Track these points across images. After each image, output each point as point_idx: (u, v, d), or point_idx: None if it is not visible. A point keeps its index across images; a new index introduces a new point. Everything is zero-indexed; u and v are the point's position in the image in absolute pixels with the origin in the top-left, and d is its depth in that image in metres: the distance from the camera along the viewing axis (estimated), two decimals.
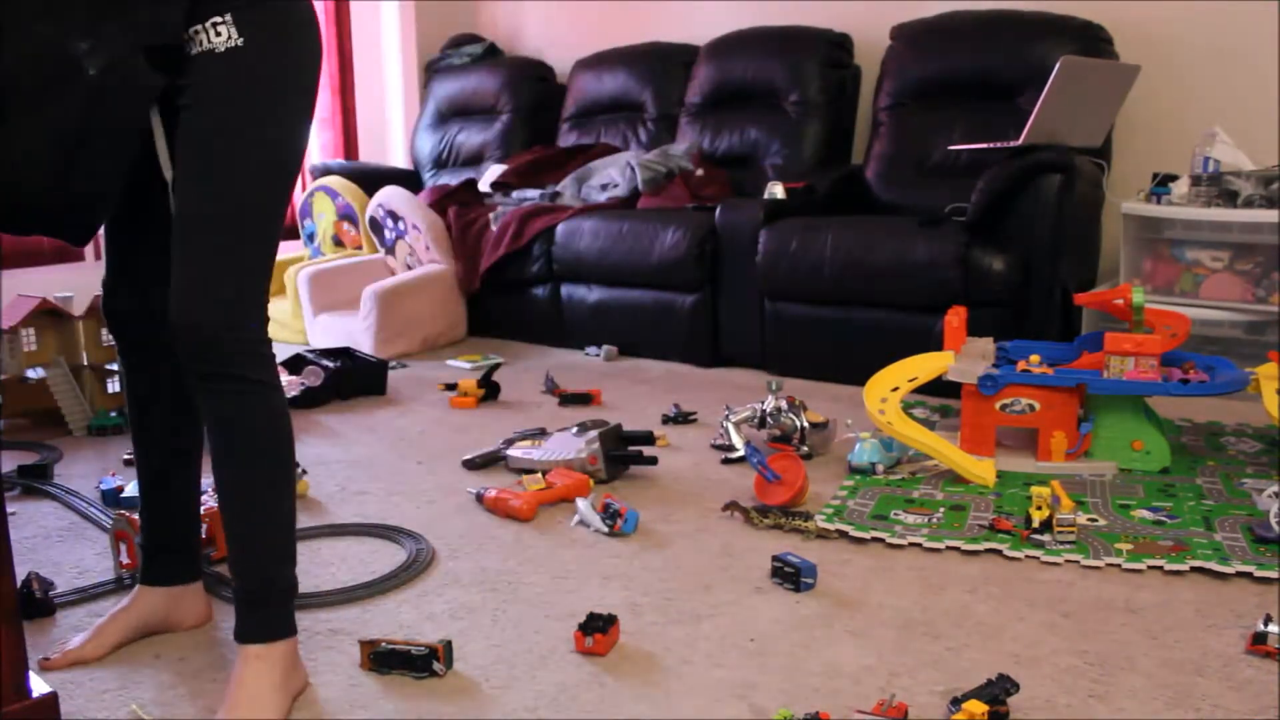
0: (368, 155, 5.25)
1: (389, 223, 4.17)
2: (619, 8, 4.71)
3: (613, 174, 4.05)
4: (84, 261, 4.25)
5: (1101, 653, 1.57)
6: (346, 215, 4.40)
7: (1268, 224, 2.83)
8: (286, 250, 4.84)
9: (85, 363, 2.99)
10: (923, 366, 2.48)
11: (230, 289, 1.49)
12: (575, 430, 2.47)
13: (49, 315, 2.95)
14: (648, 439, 2.47)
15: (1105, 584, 1.81)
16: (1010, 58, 3.49)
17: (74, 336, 2.99)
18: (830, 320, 3.23)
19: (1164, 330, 2.55)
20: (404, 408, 3.12)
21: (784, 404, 2.59)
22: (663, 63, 4.38)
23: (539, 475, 2.30)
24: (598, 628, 1.59)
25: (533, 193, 4.15)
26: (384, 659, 1.55)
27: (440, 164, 4.94)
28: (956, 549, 1.97)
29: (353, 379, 3.23)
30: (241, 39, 1.38)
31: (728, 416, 2.61)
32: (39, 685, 1.31)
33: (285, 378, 3.14)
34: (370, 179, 4.53)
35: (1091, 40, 3.39)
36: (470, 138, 4.84)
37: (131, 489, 2.32)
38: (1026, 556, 1.92)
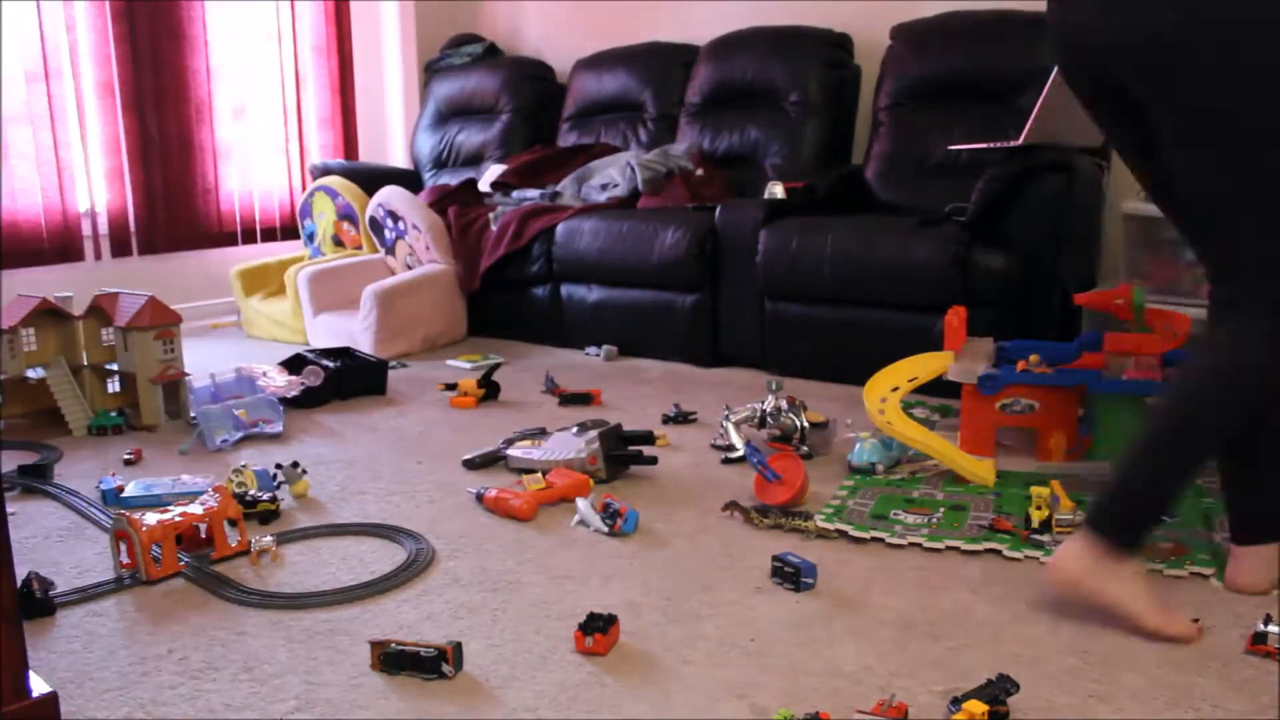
0: (368, 155, 5.25)
1: (389, 223, 4.17)
2: (619, 8, 4.71)
3: (613, 174, 4.05)
4: (84, 261, 4.25)
5: (1101, 653, 1.57)
6: (346, 215, 4.40)
7: None
8: (286, 250, 4.85)
9: (85, 363, 2.99)
10: (923, 366, 2.48)
11: None
12: (575, 430, 2.47)
13: (49, 315, 2.95)
14: (648, 439, 2.47)
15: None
16: (1010, 58, 3.49)
17: (74, 336, 2.99)
18: (830, 320, 3.23)
19: (1164, 330, 2.55)
20: (404, 408, 3.12)
21: (784, 404, 2.59)
22: (663, 63, 4.37)
23: (539, 475, 2.30)
24: (598, 628, 1.59)
25: (533, 193, 4.16)
26: (393, 660, 1.55)
27: (440, 164, 4.94)
28: (956, 549, 1.97)
29: (353, 379, 3.23)
30: None
31: (728, 416, 2.61)
32: (39, 685, 1.31)
33: (285, 378, 3.14)
34: (370, 179, 4.53)
35: None
36: (470, 138, 4.84)
37: (131, 489, 2.32)
38: (1026, 557, 1.92)
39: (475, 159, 4.81)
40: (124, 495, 2.30)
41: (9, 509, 2.28)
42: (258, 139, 4.81)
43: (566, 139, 4.58)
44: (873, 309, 3.15)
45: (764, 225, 3.33)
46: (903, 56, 3.73)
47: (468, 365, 3.65)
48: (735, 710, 1.44)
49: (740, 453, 2.48)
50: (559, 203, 4.06)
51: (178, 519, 1.95)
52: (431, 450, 2.68)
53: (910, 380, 2.43)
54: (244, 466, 2.33)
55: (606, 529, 2.08)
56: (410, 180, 4.81)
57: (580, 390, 3.14)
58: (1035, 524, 1.98)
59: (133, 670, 1.58)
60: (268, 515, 2.19)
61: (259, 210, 4.83)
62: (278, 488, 2.35)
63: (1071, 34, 1.80)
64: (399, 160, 5.29)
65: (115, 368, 2.99)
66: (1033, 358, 2.46)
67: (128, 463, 2.62)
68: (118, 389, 3.01)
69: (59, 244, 4.14)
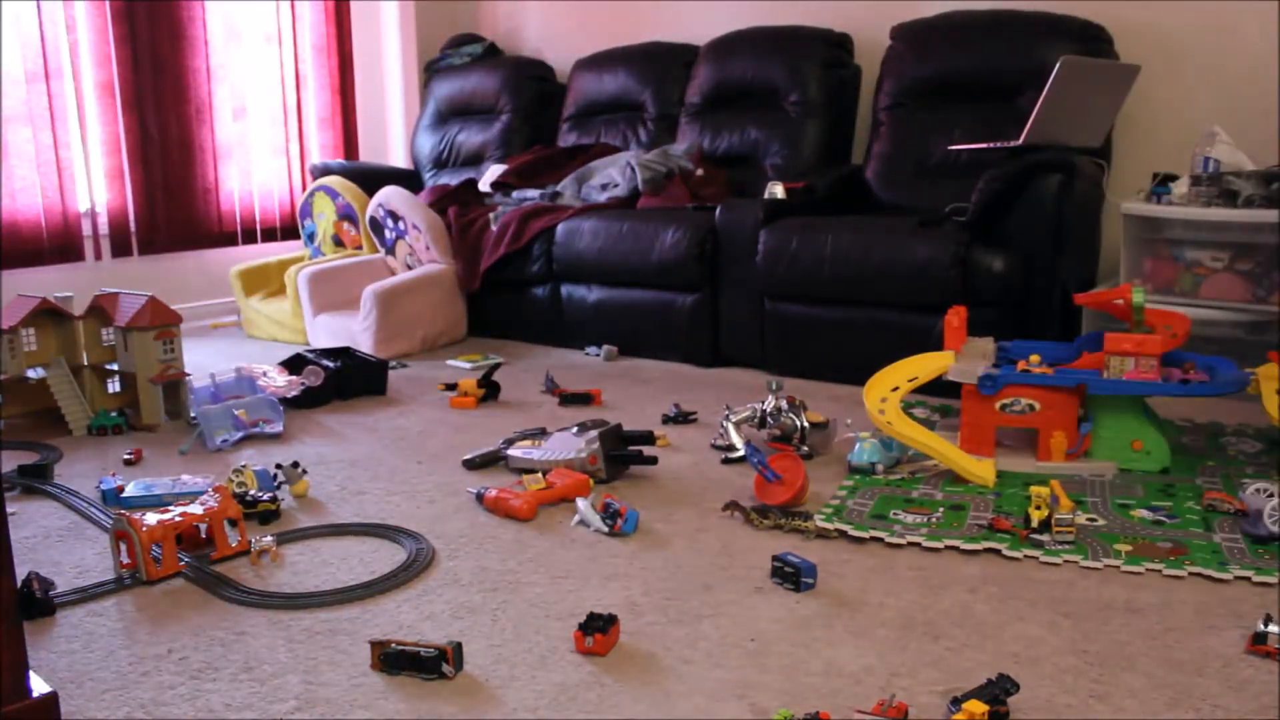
0: (368, 155, 5.25)
1: (389, 223, 4.17)
2: (619, 8, 4.71)
3: (613, 174, 4.05)
4: (84, 261, 4.25)
5: (1101, 653, 1.57)
6: (346, 215, 4.40)
7: (1268, 224, 2.83)
8: (286, 250, 4.85)
9: (85, 363, 2.99)
10: (923, 366, 2.48)
11: None
12: (575, 430, 2.47)
13: (49, 315, 2.95)
14: (648, 439, 2.47)
15: (1105, 584, 1.81)
16: (1010, 58, 3.49)
17: (74, 336, 2.99)
18: (830, 320, 3.23)
19: (1164, 330, 2.55)
20: (404, 408, 3.12)
21: (784, 404, 2.59)
22: (663, 63, 4.37)
23: (539, 475, 2.30)
24: (598, 628, 1.60)
25: (533, 193, 4.16)
26: (394, 660, 1.55)
27: (440, 164, 4.94)
28: (955, 548, 1.97)
29: (353, 379, 3.23)
30: None
31: (728, 416, 2.61)
32: (39, 685, 1.31)
33: (285, 378, 3.14)
34: (370, 179, 4.54)
35: (1091, 40, 3.39)
36: (470, 138, 4.84)
37: (131, 489, 2.32)
38: (1025, 556, 1.93)
39: (475, 159, 4.81)
40: (124, 495, 2.30)
41: (9, 509, 2.28)
42: (258, 139, 4.81)
43: (566, 139, 4.58)
44: (873, 309, 3.15)
45: (764, 225, 3.33)
46: (903, 56, 3.73)
47: (468, 365, 3.65)
48: (735, 710, 1.44)
49: (740, 453, 2.48)
50: (559, 203, 4.06)
51: (178, 519, 1.95)
52: (431, 450, 2.68)
53: (910, 380, 2.44)
54: (244, 466, 2.33)
55: (606, 529, 2.08)
56: (410, 180, 4.81)
57: (580, 390, 3.14)
58: (1035, 524, 1.98)
59: (133, 670, 1.58)
60: (268, 515, 2.19)
61: (259, 210, 4.83)
62: (278, 488, 2.35)
63: None
64: (399, 160, 5.29)
65: (115, 368, 2.99)
66: (1033, 358, 2.46)
67: (128, 463, 2.62)
68: (118, 389, 3.01)
69: (59, 244, 4.14)
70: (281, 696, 1.50)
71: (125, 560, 1.92)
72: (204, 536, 2.01)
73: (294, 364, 3.28)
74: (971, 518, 2.10)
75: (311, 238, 4.56)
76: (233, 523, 2.02)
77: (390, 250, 4.22)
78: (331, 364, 3.23)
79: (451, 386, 3.22)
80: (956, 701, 1.39)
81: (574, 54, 4.74)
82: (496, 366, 3.28)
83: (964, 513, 2.13)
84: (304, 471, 2.38)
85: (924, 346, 3.04)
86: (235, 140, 4.69)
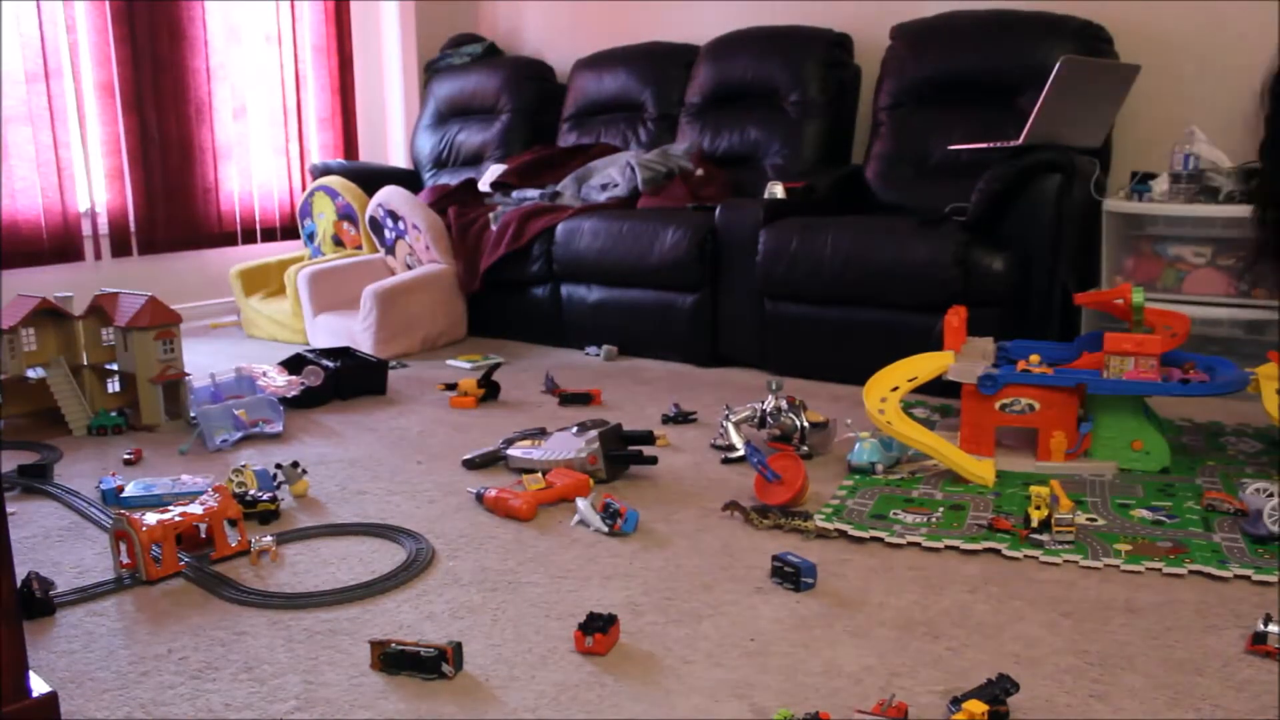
0: (368, 155, 5.26)
1: (389, 223, 4.17)
2: (619, 8, 4.72)
3: (613, 174, 4.05)
4: (84, 261, 4.25)
5: (1101, 653, 1.57)
6: (346, 215, 4.40)
7: (1249, 219, 2.84)
8: (286, 250, 4.85)
9: (85, 363, 2.99)
10: (923, 366, 2.48)
11: None
12: (575, 430, 2.47)
13: (49, 315, 2.95)
14: (648, 439, 2.47)
15: (1105, 584, 1.81)
16: (1010, 58, 3.49)
17: (74, 336, 2.99)
18: (830, 320, 3.23)
19: (1164, 330, 2.55)
20: (404, 408, 3.12)
21: (784, 404, 2.59)
22: (663, 63, 4.38)
23: (539, 475, 2.30)
24: (598, 628, 1.60)
25: (533, 193, 4.16)
26: (394, 660, 1.55)
27: (440, 164, 4.94)
28: (955, 548, 1.97)
29: (353, 379, 3.23)
30: None
31: (728, 416, 2.61)
32: (39, 685, 1.31)
33: (285, 378, 3.14)
34: (370, 179, 4.54)
35: (1091, 40, 3.39)
36: (470, 138, 4.84)
37: (131, 489, 2.32)
38: (1025, 556, 1.93)
39: (475, 159, 4.81)
40: (124, 495, 2.30)
41: (9, 509, 2.28)
42: (258, 139, 4.81)
43: (566, 139, 4.58)
44: (873, 309, 3.15)
45: (764, 225, 3.33)
46: (903, 56, 3.73)
47: (468, 365, 3.65)
48: (735, 710, 1.44)
49: (740, 453, 2.48)
50: (559, 203, 4.06)
51: (178, 519, 1.95)
52: (431, 450, 2.68)
53: (910, 380, 2.44)
54: (244, 466, 2.33)
55: (606, 529, 2.08)
56: (410, 180, 4.82)
57: (580, 390, 3.14)
58: (1034, 523, 1.98)
59: (133, 670, 1.58)
60: (268, 515, 2.19)
61: (259, 210, 4.83)
62: (278, 488, 2.35)
63: None
64: (399, 160, 5.29)
65: (115, 368, 2.99)
66: (1033, 358, 2.47)
67: (128, 463, 2.62)
68: (118, 389, 3.01)
69: (59, 244, 4.14)
70: (281, 696, 1.50)
71: (125, 560, 1.92)
72: (204, 536, 2.01)
73: (294, 364, 3.28)
74: (971, 518, 2.10)
75: (311, 238, 4.56)
76: (233, 523, 2.02)
77: (390, 250, 4.22)
78: (331, 364, 3.23)
79: (451, 386, 3.22)
80: (956, 701, 1.39)
81: (574, 54, 4.74)
82: (496, 366, 3.28)
83: (964, 513, 2.13)
84: (304, 471, 2.38)
85: (924, 346, 3.04)
86: (235, 140, 4.69)
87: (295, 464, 2.38)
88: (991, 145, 3.20)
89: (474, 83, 4.86)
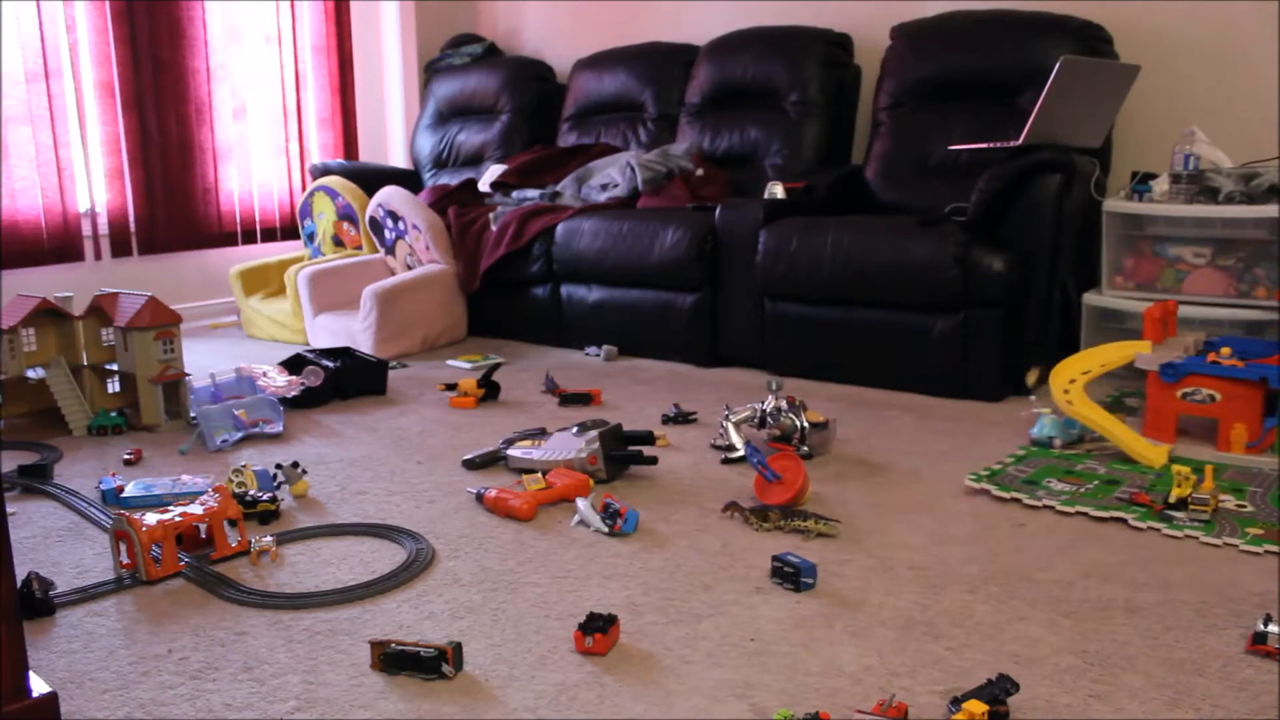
0: (368, 155, 5.26)
1: (389, 223, 4.17)
2: (619, 8, 4.72)
3: (613, 174, 4.05)
4: (84, 261, 4.25)
5: (1101, 653, 1.57)
6: (346, 215, 4.40)
7: (1249, 219, 2.85)
8: (286, 250, 4.85)
9: (85, 363, 2.99)
10: (1114, 354, 2.59)
11: None
12: (575, 430, 2.47)
13: (49, 315, 2.95)
14: (647, 439, 2.47)
15: (1105, 584, 1.81)
16: (1010, 58, 3.49)
17: (74, 336, 2.99)
18: (830, 320, 3.23)
19: None
20: (404, 408, 3.12)
21: (784, 404, 2.59)
22: (663, 63, 4.38)
23: (539, 475, 2.30)
24: (598, 628, 1.59)
25: (533, 193, 4.16)
26: (394, 660, 1.55)
27: (440, 164, 4.94)
28: (1085, 514, 2.10)
29: (353, 379, 3.23)
30: None
31: (728, 416, 2.61)
32: (39, 685, 1.31)
33: (285, 378, 3.14)
34: (370, 179, 4.54)
35: (1091, 40, 3.39)
36: (470, 138, 4.84)
37: (131, 489, 2.32)
38: (1149, 528, 2.03)
39: (475, 159, 4.81)
40: (124, 495, 2.30)
41: (9, 509, 2.28)
42: (258, 139, 4.81)
43: (566, 139, 4.58)
44: (873, 309, 3.15)
45: (764, 225, 3.33)
46: (903, 56, 3.73)
47: (468, 365, 3.65)
48: (735, 710, 1.44)
49: (740, 453, 2.48)
50: (559, 203, 4.06)
51: (178, 519, 1.95)
52: (431, 450, 2.68)
53: (1101, 365, 2.56)
54: (244, 466, 2.33)
55: (606, 529, 2.08)
56: (410, 180, 4.82)
57: (580, 390, 3.14)
58: (1172, 500, 2.07)
59: (133, 670, 1.58)
60: (268, 515, 2.19)
61: (259, 210, 4.83)
62: (278, 488, 2.35)
63: None
64: (399, 160, 5.30)
65: (115, 368, 2.99)
66: (1224, 350, 2.52)
67: (128, 463, 2.62)
68: (118, 389, 3.01)
69: (59, 244, 4.14)
70: (281, 696, 1.50)
71: (125, 560, 1.92)
72: (204, 536, 2.01)
73: (294, 364, 3.28)
74: (1120, 491, 2.21)
75: (311, 238, 4.56)
76: (233, 523, 2.02)
77: (390, 250, 4.23)
78: (331, 364, 3.23)
79: (451, 386, 3.22)
80: (956, 701, 1.39)
81: (574, 54, 4.74)
82: (496, 366, 3.28)
83: (1116, 487, 2.24)
84: (304, 471, 2.38)
85: (924, 347, 3.05)
86: (235, 140, 4.69)
87: (295, 464, 2.38)
88: (991, 145, 3.20)
89: (474, 83, 4.86)
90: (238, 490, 2.25)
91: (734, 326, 3.47)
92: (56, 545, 2.09)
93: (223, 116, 4.63)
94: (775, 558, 1.84)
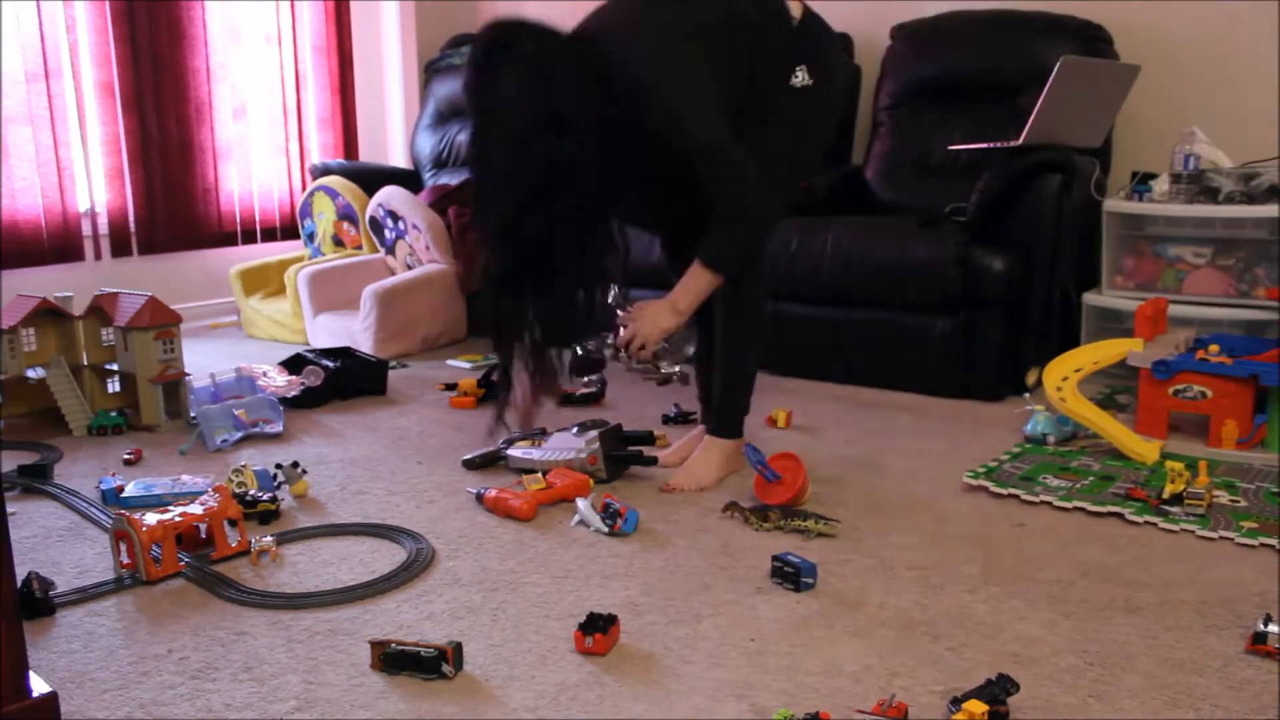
0: (368, 155, 5.25)
1: (389, 223, 4.17)
2: None
3: None
4: (84, 261, 4.25)
5: (1101, 653, 1.57)
6: (346, 215, 4.40)
7: (1249, 219, 2.85)
8: (286, 250, 4.85)
9: (85, 363, 2.99)
10: (1106, 351, 2.61)
11: None
12: (575, 430, 2.47)
13: (49, 315, 2.95)
14: (648, 439, 2.47)
15: (1105, 584, 1.81)
16: (1010, 58, 3.49)
17: (74, 336, 2.99)
18: (830, 320, 3.23)
19: None
20: (404, 408, 3.12)
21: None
22: None
23: (539, 475, 2.30)
24: (598, 628, 1.59)
25: None
26: (394, 660, 1.55)
27: (440, 164, 4.94)
28: (1083, 509, 2.13)
29: (353, 379, 3.23)
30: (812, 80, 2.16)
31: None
32: (39, 685, 1.31)
33: (285, 377, 3.15)
34: (370, 179, 4.53)
35: (1091, 40, 3.38)
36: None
37: (131, 489, 2.32)
38: (1145, 522, 2.06)
39: None
40: (124, 495, 2.30)
41: (9, 509, 2.28)
42: (258, 139, 4.81)
43: None
44: (873, 309, 3.15)
45: None
46: (903, 56, 3.73)
47: (468, 365, 3.65)
48: (735, 710, 1.44)
49: (673, 369, 2.59)
50: None
51: (178, 519, 1.95)
52: (431, 450, 2.68)
53: (1094, 363, 2.58)
54: (244, 466, 2.33)
55: (606, 529, 2.08)
56: (410, 180, 4.81)
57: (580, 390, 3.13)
58: (1167, 495, 2.09)
59: (133, 670, 1.58)
60: (268, 515, 2.19)
61: (259, 210, 4.83)
62: (278, 488, 2.35)
63: None
64: (399, 160, 5.29)
65: (115, 368, 2.99)
66: (1212, 348, 2.53)
67: (128, 463, 2.62)
68: (118, 389, 3.01)
69: (59, 244, 4.14)
70: (281, 696, 1.50)
71: (125, 560, 1.92)
72: (204, 536, 2.01)
73: (294, 364, 3.28)
74: (1115, 487, 2.23)
75: (311, 238, 4.56)
76: (233, 523, 2.02)
77: (390, 250, 4.22)
78: (331, 364, 3.23)
79: (451, 386, 3.21)
80: (956, 701, 1.39)
81: None
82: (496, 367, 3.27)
83: (1110, 483, 2.27)
84: (304, 471, 2.38)
85: (924, 346, 3.05)
86: (235, 140, 4.69)
87: (295, 464, 2.38)
88: (991, 145, 3.20)
89: None
90: (238, 490, 2.25)
91: None
92: (56, 545, 2.09)
93: (223, 116, 4.63)
94: (775, 558, 1.84)
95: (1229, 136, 3.17)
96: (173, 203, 4.48)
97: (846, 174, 3.77)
